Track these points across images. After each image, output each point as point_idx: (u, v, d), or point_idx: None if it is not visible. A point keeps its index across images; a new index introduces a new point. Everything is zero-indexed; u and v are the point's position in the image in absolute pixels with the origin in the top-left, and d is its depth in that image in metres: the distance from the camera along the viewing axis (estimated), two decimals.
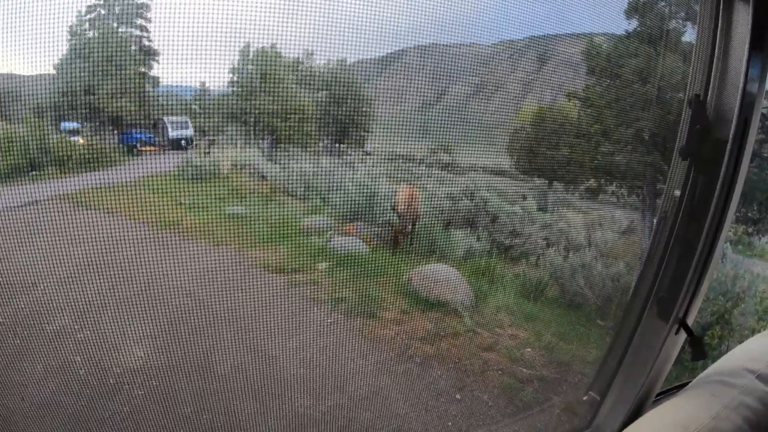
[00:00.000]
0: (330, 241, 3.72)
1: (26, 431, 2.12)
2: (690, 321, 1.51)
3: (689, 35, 2.69)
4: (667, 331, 1.51)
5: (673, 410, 1.27)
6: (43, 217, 1.89)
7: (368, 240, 3.85)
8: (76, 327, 2.44)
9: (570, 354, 3.41)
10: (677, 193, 1.49)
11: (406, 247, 3.83)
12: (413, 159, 3.89)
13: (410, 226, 3.87)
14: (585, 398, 1.81)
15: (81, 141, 2.48)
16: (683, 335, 1.54)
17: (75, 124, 2.48)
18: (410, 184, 3.98)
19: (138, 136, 2.89)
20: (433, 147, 3.87)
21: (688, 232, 1.46)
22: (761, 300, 4.16)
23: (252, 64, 2.89)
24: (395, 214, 3.87)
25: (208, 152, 3.25)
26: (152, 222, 2.23)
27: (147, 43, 2.71)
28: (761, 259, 4.77)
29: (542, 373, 3.21)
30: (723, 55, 1.39)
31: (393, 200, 3.89)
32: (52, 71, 2.04)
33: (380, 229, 3.92)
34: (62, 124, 2.41)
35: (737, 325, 3.88)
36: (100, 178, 2.37)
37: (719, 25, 1.38)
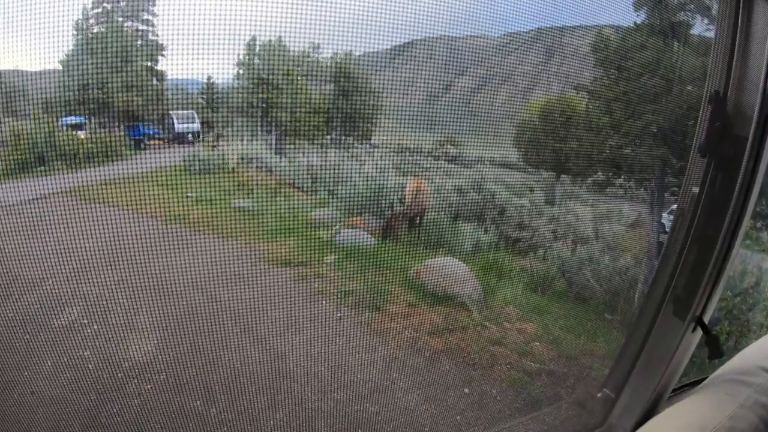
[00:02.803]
0: (337, 234, 3.72)
1: (35, 425, 2.13)
2: (707, 319, 1.50)
3: (709, 32, 2.66)
4: (684, 329, 1.50)
5: (688, 410, 1.27)
6: (51, 211, 1.88)
7: (375, 232, 3.85)
8: (84, 321, 2.45)
9: (579, 349, 3.41)
10: (695, 190, 1.47)
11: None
12: (420, 151, 3.88)
13: (418, 218, 3.87)
14: (599, 395, 1.81)
15: (86, 136, 2.48)
16: (699, 333, 1.54)
17: (81, 119, 2.47)
18: (418, 176, 3.97)
19: (145, 130, 2.88)
20: (440, 140, 3.86)
21: (706, 230, 1.45)
22: None
23: (258, 58, 2.87)
24: (403, 206, 3.87)
25: (215, 146, 3.24)
26: (159, 216, 2.22)
27: (153, 38, 2.69)
28: None
29: (550, 367, 3.22)
30: (743, 52, 1.37)
31: (402, 193, 3.89)
32: (58, 67, 2.03)
33: (385, 221, 3.92)
34: (68, 119, 2.41)
35: (745, 320, 3.88)
36: (106, 173, 2.36)
37: (739, 22, 1.36)
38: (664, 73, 2.78)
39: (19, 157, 2.24)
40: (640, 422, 1.62)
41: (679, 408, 1.30)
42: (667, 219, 3.91)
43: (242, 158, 3.49)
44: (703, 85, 1.51)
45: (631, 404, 1.69)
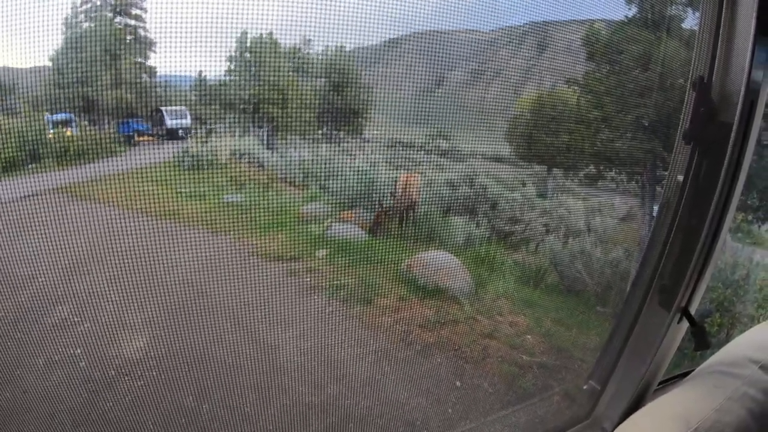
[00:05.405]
0: (329, 228, 3.71)
1: (27, 424, 2.12)
2: (693, 310, 1.49)
3: (692, 18, 2.65)
4: (670, 320, 1.49)
5: (674, 401, 1.25)
6: (41, 209, 1.87)
7: (366, 227, 3.83)
8: (76, 320, 2.43)
9: (570, 341, 3.41)
10: (680, 177, 1.46)
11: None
12: (412, 146, 3.87)
13: (411, 212, 3.85)
14: (585, 387, 1.79)
15: (75, 133, 2.46)
16: (685, 324, 1.52)
17: (70, 115, 2.45)
18: (409, 170, 3.96)
19: (135, 126, 2.86)
20: (431, 134, 3.85)
21: (691, 218, 1.44)
22: (761, 288, 4.15)
23: (249, 52, 2.85)
24: (393, 200, 3.85)
25: (206, 141, 3.22)
26: (150, 212, 2.21)
27: (143, 33, 2.67)
28: (760, 246, 4.76)
29: (542, 360, 3.21)
30: (727, 37, 1.36)
31: (394, 187, 3.87)
32: (48, 63, 2.01)
33: (374, 217, 3.91)
34: (58, 115, 2.39)
35: (736, 313, 3.88)
36: (97, 170, 2.35)
37: (723, 7, 1.35)
38: (650, 61, 2.77)
39: (6, 155, 2.22)
40: (626, 414, 1.61)
41: (665, 400, 1.28)
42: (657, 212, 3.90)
43: (234, 153, 3.47)
44: (688, 73, 1.49)
45: (617, 396, 1.68)
